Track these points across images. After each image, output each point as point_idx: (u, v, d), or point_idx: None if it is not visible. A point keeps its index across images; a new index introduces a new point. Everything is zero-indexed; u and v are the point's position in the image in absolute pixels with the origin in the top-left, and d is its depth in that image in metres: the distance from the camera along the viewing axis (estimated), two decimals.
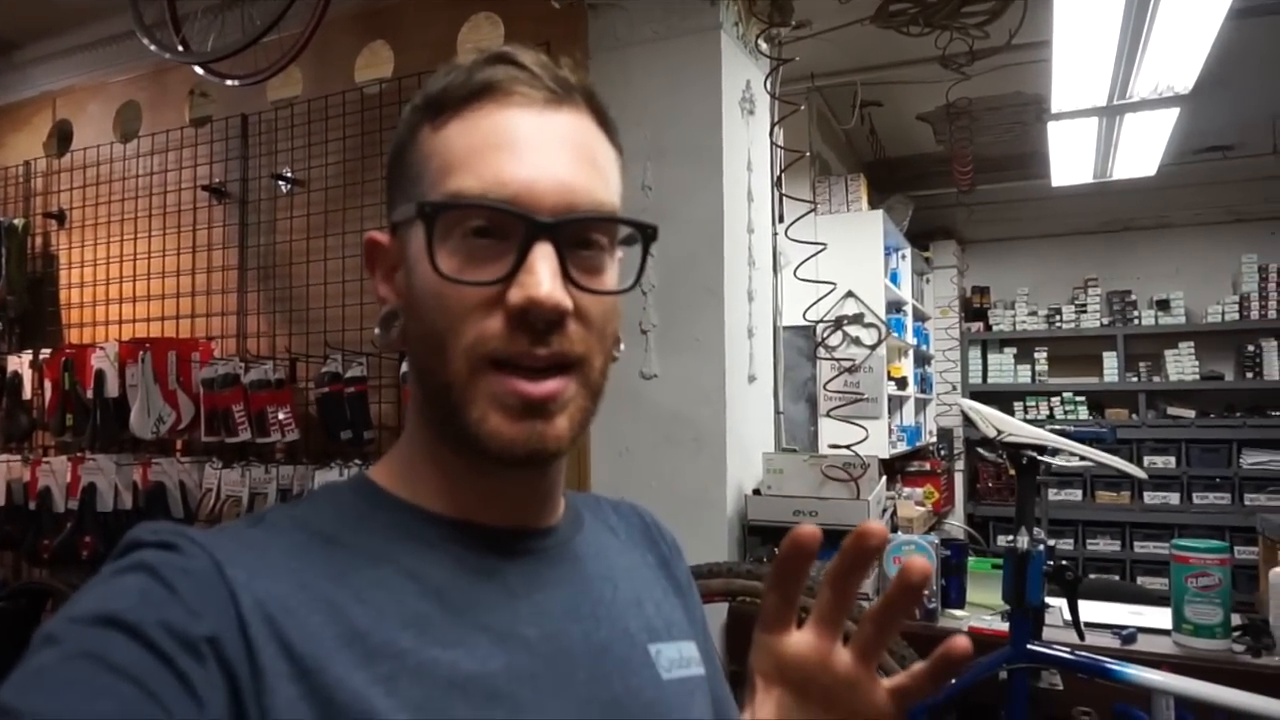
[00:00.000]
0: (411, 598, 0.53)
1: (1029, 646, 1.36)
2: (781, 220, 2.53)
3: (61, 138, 3.30)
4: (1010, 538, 1.42)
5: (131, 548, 0.50)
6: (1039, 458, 1.39)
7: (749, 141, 2.36)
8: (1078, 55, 3.00)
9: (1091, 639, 1.79)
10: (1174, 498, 5.65)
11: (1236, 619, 1.81)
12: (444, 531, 0.57)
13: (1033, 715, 1.48)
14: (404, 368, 2.32)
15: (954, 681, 1.38)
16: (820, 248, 2.30)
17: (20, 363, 2.96)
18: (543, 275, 0.52)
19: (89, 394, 2.72)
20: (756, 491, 2.21)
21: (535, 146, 0.54)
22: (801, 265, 2.42)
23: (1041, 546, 1.39)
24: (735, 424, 2.20)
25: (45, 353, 2.90)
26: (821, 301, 2.55)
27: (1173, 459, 5.67)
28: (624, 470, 2.25)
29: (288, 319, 2.69)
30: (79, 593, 0.47)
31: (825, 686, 0.47)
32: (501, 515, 0.59)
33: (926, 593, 1.93)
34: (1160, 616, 1.88)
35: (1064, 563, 1.38)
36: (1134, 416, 5.83)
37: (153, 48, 2.21)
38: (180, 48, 2.23)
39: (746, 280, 2.32)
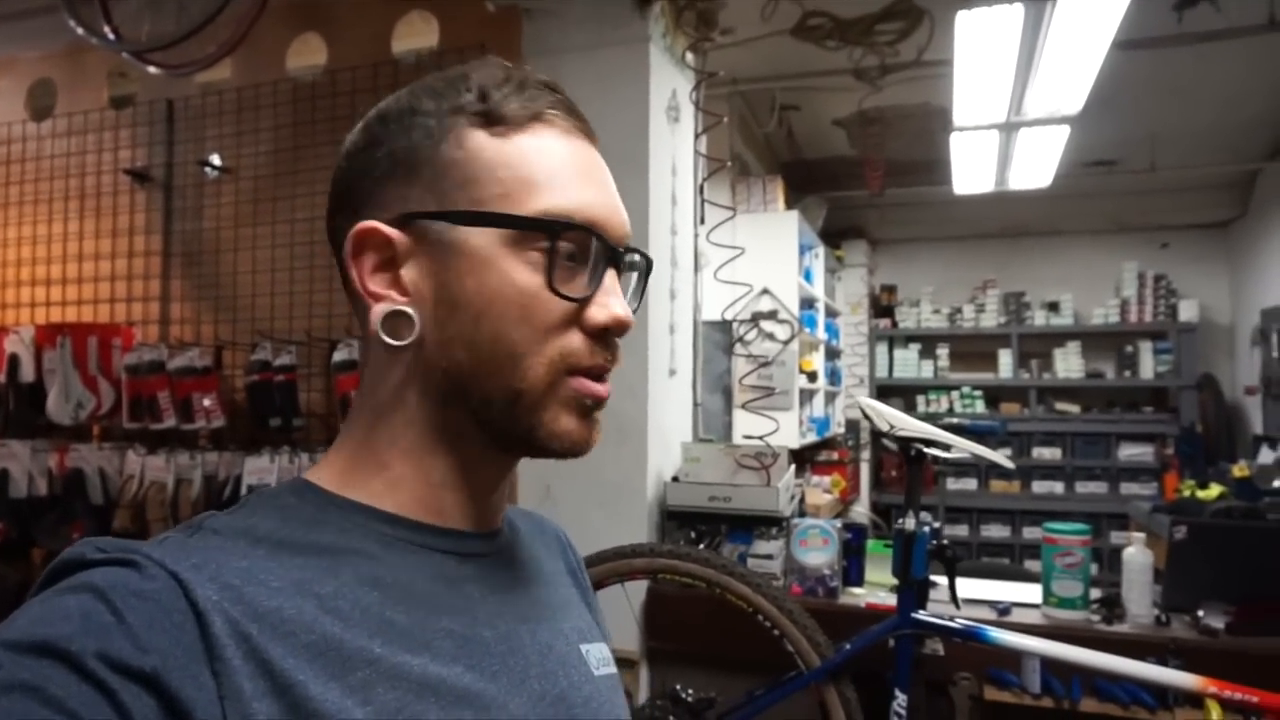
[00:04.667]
0: (376, 604, 0.53)
1: (913, 615, 1.54)
2: (703, 222, 2.67)
3: None
4: (900, 520, 1.59)
5: (74, 567, 0.47)
6: (926, 450, 1.56)
7: (674, 148, 2.48)
8: (976, 76, 3.23)
9: (972, 612, 2.00)
10: (1059, 487, 6.08)
11: (1097, 593, 2.05)
12: (399, 534, 0.57)
13: (918, 681, 1.66)
14: (337, 356, 2.37)
15: (848, 646, 1.54)
16: (739, 251, 2.44)
17: None
18: (620, 297, 0.58)
19: (2, 378, 2.67)
20: (675, 479, 2.34)
21: (601, 179, 0.59)
22: (722, 268, 2.56)
23: (927, 528, 1.57)
24: (656, 415, 2.33)
25: None
26: (727, 299, 2.71)
27: (1059, 450, 6.10)
28: (552, 460, 2.35)
29: (214, 306, 2.69)
30: (15, 614, 0.45)
31: None
32: (456, 519, 0.61)
33: (828, 572, 2.11)
34: (1033, 592, 2.09)
35: (945, 542, 1.57)
36: (1025, 411, 6.24)
37: (80, 31, 2.19)
38: (110, 34, 2.22)
39: (669, 279, 2.45)
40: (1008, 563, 5.98)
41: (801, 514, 2.77)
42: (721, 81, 3.97)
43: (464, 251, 0.57)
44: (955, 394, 6.41)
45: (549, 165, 0.57)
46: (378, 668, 0.50)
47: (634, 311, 0.62)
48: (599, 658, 0.67)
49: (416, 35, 2.54)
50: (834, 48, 3.28)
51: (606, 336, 0.58)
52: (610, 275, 0.58)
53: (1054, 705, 1.85)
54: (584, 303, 0.57)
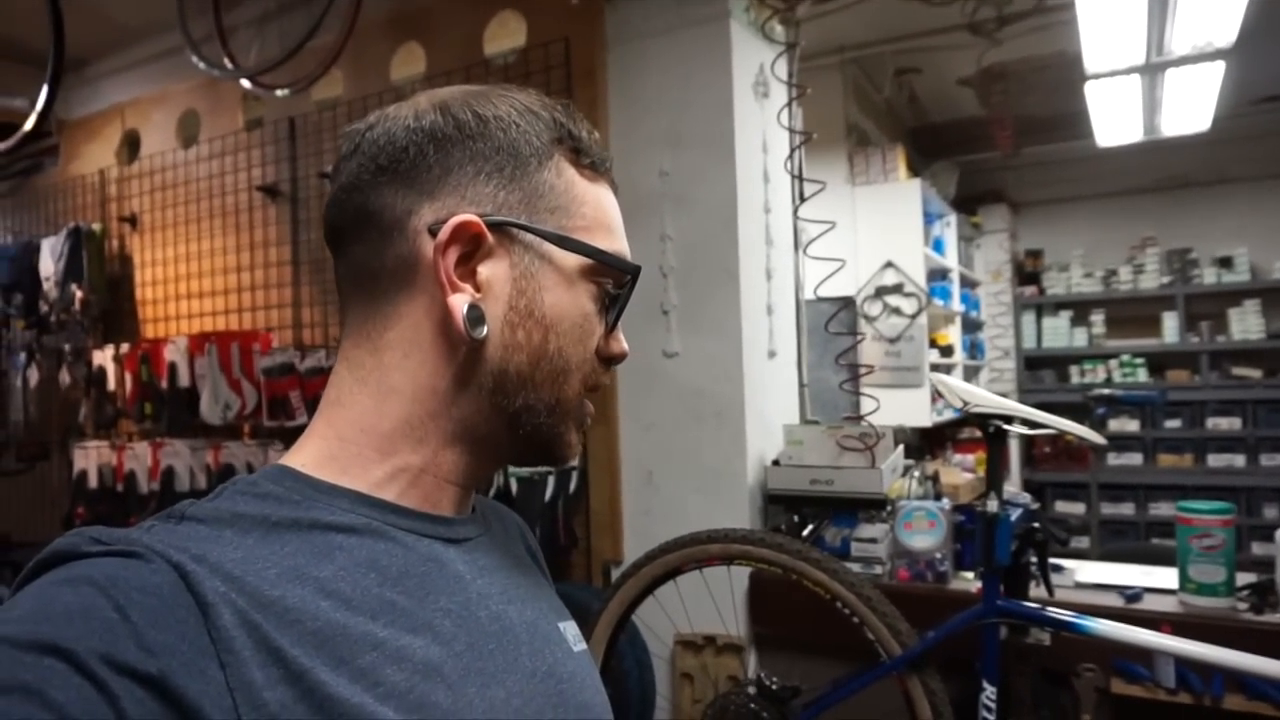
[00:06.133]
0: (375, 585, 0.54)
1: (998, 603, 1.44)
2: (802, 198, 2.59)
3: (130, 146, 3.54)
4: (983, 502, 1.49)
5: (68, 559, 0.47)
6: (1005, 427, 1.45)
7: (763, 124, 2.42)
8: (1106, 15, 2.96)
9: (1097, 599, 1.85)
10: (1239, 460, 5.51)
11: (1250, 578, 1.85)
12: (386, 517, 0.58)
13: (1023, 672, 1.56)
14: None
15: (931, 635, 1.46)
16: (829, 226, 2.36)
17: (104, 357, 3.22)
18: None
19: (164, 384, 2.96)
20: (776, 462, 2.30)
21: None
22: (813, 242, 2.48)
23: (1020, 510, 1.47)
24: (754, 398, 2.29)
25: (125, 347, 3.15)
26: (847, 274, 2.60)
27: (1238, 420, 5.52)
28: (651, 445, 2.36)
29: (338, 309, 2.86)
30: (8, 605, 0.45)
31: None
32: (451, 506, 0.63)
33: (938, 556, 2.01)
34: (1171, 577, 1.92)
35: (1036, 524, 1.45)
36: (1196, 378, 5.69)
37: (201, 65, 2.38)
38: (228, 62, 2.40)
39: (764, 259, 2.40)
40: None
41: (937, 495, 2.63)
42: (828, 51, 3.85)
43: (552, 269, 0.61)
44: (1113, 363, 5.92)
45: (614, 216, 0.66)
46: (383, 650, 0.51)
47: None
48: (574, 634, 0.69)
49: (508, 35, 2.61)
50: (942, 2, 3.10)
51: (614, 363, 0.66)
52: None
53: (1192, 701, 1.69)
54: (606, 335, 0.66)
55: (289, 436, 2.81)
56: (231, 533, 0.52)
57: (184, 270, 3.24)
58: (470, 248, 0.58)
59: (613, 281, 0.64)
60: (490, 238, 0.59)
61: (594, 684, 0.67)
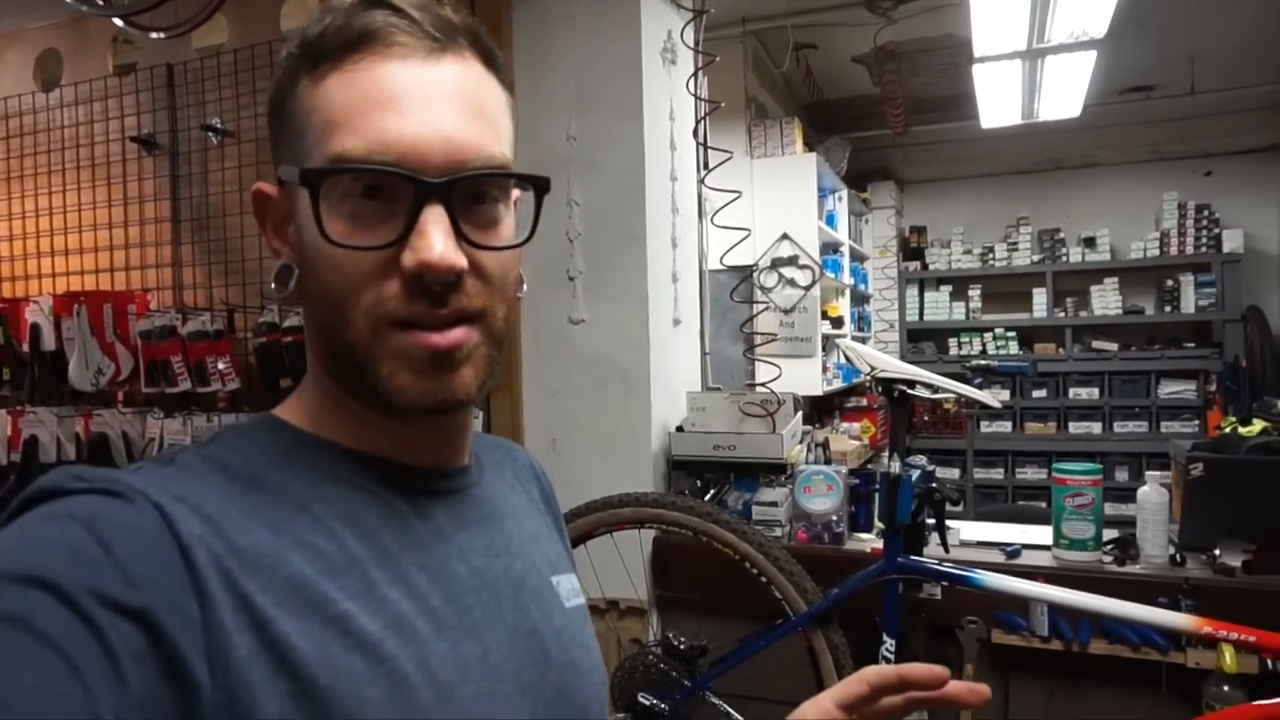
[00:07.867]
0: (350, 540, 0.53)
1: (899, 560, 1.52)
2: (707, 167, 2.61)
3: None
4: (884, 464, 1.56)
5: (52, 495, 0.46)
6: (909, 391, 1.52)
7: (671, 91, 2.42)
8: (994, 1, 3.09)
9: (980, 555, 1.97)
10: (1096, 427, 5.95)
11: (1114, 534, 2.01)
12: (368, 472, 0.57)
13: (916, 626, 1.65)
14: None
15: (835, 592, 1.53)
16: (736, 195, 2.39)
17: None
18: (434, 238, 0.51)
19: (25, 348, 2.73)
20: (680, 429, 2.33)
21: (419, 102, 0.52)
22: (719, 211, 2.51)
23: (917, 471, 1.54)
24: (660, 365, 2.31)
25: None
26: (745, 245, 2.65)
27: (1096, 390, 5.96)
28: (555, 412, 2.35)
29: (224, 270, 2.71)
30: None
31: None
32: (419, 456, 0.60)
33: (834, 518, 2.09)
34: (1046, 535, 2.06)
35: (934, 485, 1.53)
36: (1061, 350, 6.10)
37: (69, 0, 2.19)
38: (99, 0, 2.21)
39: (670, 227, 2.41)
40: (1044, 506, 5.90)
41: (827, 461, 2.73)
42: (731, 22, 3.87)
43: (297, 207, 0.56)
44: (988, 335, 6.28)
45: (347, 101, 0.52)
46: (356, 603, 0.50)
47: (525, 241, 0.58)
48: (569, 589, 0.68)
49: None
50: None
51: (424, 283, 0.52)
52: (432, 213, 0.52)
53: (1063, 648, 1.83)
54: (398, 246, 0.52)
55: (170, 403, 2.65)
56: (218, 479, 0.52)
57: (46, 225, 2.98)
58: (278, 213, 0.59)
59: (366, 183, 0.52)
60: (279, 196, 0.58)
61: (584, 641, 0.66)
